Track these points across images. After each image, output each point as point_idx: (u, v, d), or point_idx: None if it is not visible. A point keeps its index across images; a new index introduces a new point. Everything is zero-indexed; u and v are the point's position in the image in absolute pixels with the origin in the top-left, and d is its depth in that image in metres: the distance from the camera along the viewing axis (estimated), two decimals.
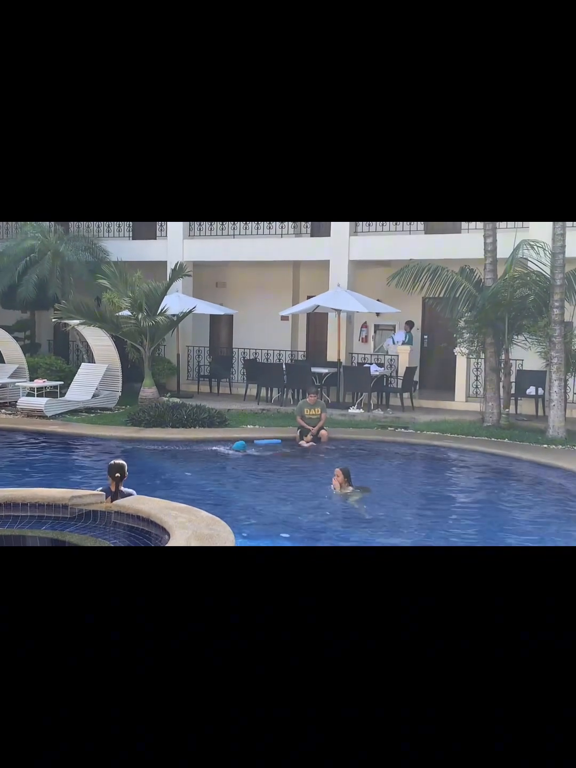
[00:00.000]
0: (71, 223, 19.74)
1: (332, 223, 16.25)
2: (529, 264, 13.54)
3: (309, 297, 17.52)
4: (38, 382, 15.84)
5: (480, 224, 14.47)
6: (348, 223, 16.15)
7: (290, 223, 17.95)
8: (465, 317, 14.08)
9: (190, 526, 5.50)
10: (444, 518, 9.00)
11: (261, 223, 18.01)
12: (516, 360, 14.96)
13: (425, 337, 18.25)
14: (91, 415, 14.89)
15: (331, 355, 16.87)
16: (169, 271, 16.60)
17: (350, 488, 9.52)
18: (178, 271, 15.83)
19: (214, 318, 19.89)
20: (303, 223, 18.13)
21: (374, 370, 15.92)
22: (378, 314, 17.53)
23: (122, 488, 6.62)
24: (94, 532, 5.95)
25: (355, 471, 9.98)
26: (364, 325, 18.37)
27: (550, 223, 13.09)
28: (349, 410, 15.25)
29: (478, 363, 15.48)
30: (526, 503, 9.76)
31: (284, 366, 16.95)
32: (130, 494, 6.55)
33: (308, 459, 12.04)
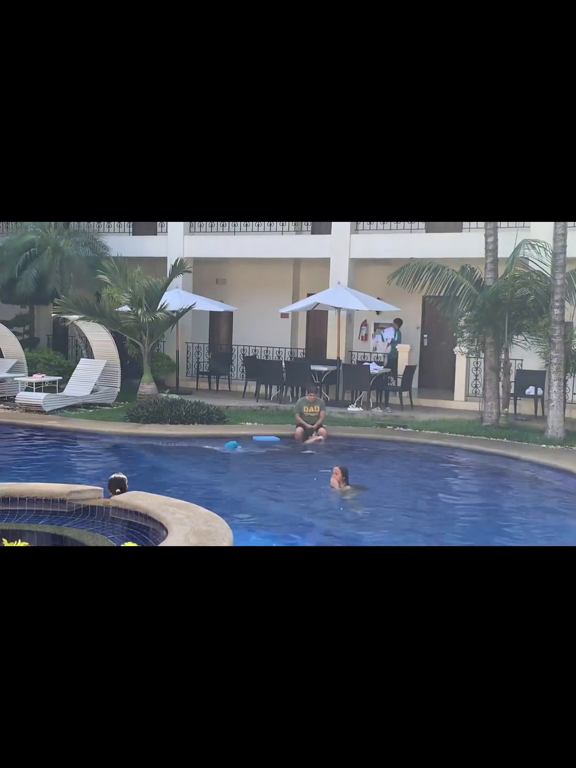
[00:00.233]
0: None
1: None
2: (530, 263, 13.53)
3: (309, 294, 17.51)
4: (37, 377, 15.82)
5: (481, 223, 14.45)
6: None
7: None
8: (465, 316, 14.07)
9: (188, 523, 5.49)
10: (441, 517, 9.00)
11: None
12: (515, 360, 14.96)
13: (425, 335, 18.25)
14: (90, 410, 14.88)
15: (331, 353, 16.87)
16: (169, 267, 16.58)
17: (348, 486, 9.54)
18: (178, 268, 15.81)
19: (213, 315, 19.87)
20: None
21: (374, 368, 15.92)
22: (378, 312, 17.53)
23: None
24: (92, 528, 5.94)
25: (354, 469, 9.98)
26: (364, 324, 18.37)
27: (551, 223, 13.09)
28: (348, 408, 15.24)
29: (477, 362, 15.47)
30: (524, 503, 9.75)
31: (284, 363, 16.94)
32: None
33: (306, 457, 12.03)
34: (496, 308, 13.39)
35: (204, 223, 18.67)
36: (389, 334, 17.31)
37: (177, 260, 16.02)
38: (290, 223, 18.27)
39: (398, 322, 17.37)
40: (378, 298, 16.60)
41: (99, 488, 6.49)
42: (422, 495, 10.12)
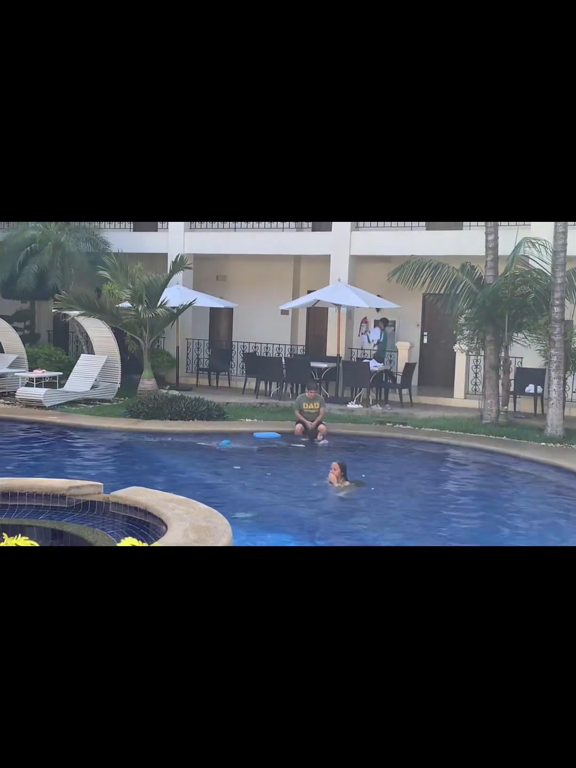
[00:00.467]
0: None
1: None
2: (530, 262, 13.54)
3: (309, 291, 17.53)
4: (37, 373, 15.84)
5: (481, 221, 14.46)
6: None
7: None
8: (465, 314, 14.07)
9: (187, 518, 5.50)
10: (439, 514, 9.02)
11: None
12: (515, 358, 14.98)
13: (425, 333, 18.26)
14: (90, 406, 14.89)
15: (331, 350, 16.88)
16: (169, 263, 16.58)
17: (346, 482, 9.57)
18: (179, 264, 15.81)
19: (214, 311, 19.88)
20: None
21: (374, 365, 15.93)
22: (378, 310, 17.53)
23: None
24: (92, 523, 5.96)
25: (353, 466, 10.00)
26: (364, 321, 18.36)
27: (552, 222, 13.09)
28: (348, 405, 15.26)
29: (477, 360, 15.49)
30: (522, 501, 9.77)
31: (284, 360, 16.95)
32: None
33: (305, 453, 12.05)
34: (496, 306, 13.41)
35: None
36: (375, 335, 17.26)
37: (177, 256, 16.03)
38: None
39: (384, 321, 17.32)
40: (378, 296, 16.61)
41: (99, 483, 6.51)
42: (420, 491, 10.14)
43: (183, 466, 11.08)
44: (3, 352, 17.06)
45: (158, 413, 13.48)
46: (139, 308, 14.72)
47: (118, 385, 15.88)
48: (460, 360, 15.74)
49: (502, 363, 14.02)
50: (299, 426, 12.68)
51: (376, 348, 17.19)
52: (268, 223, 18.13)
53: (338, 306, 16.09)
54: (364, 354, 17.45)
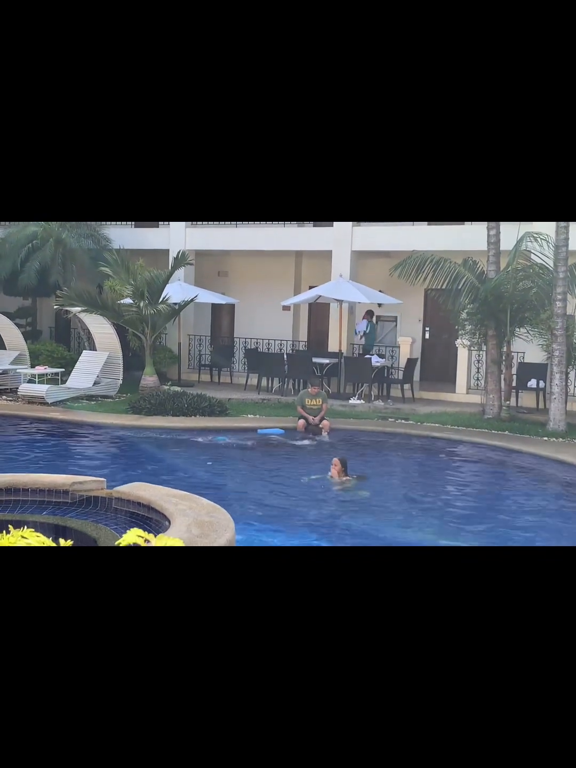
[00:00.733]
0: None
1: None
2: (532, 256, 13.53)
3: (311, 287, 17.51)
4: (39, 369, 15.85)
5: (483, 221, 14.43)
6: None
7: None
8: (467, 309, 14.07)
9: (190, 514, 5.51)
10: (441, 509, 9.02)
11: None
12: (517, 352, 14.97)
13: (427, 328, 18.25)
14: (92, 402, 14.91)
15: (333, 346, 16.87)
16: (171, 259, 16.58)
17: (347, 477, 9.58)
18: (181, 260, 15.81)
19: (215, 307, 19.89)
20: None
21: (375, 360, 15.93)
22: (380, 305, 17.52)
23: None
24: (94, 518, 5.97)
25: (355, 461, 10.01)
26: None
27: None
28: (350, 401, 15.26)
29: (479, 355, 15.48)
30: (525, 496, 9.77)
31: (285, 356, 16.96)
32: None
33: (307, 449, 12.05)
34: (498, 301, 13.39)
35: None
36: (361, 326, 17.15)
37: (179, 253, 16.03)
38: None
39: (370, 313, 17.21)
40: (380, 291, 16.60)
41: (102, 479, 6.51)
42: (422, 486, 10.15)
43: (185, 462, 11.09)
44: (5, 348, 17.07)
45: (160, 409, 13.49)
46: (141, 304, 14.72)
47: (120, 382, 15.90)
48: (462, 355, 15.74)
49: (504, 358, 14.01)
50: (302, 422, 12.68)
51: (362, 340, 17.12)
52: None
53: (340, 302, 16.09)
54: (359, 349, 17.45)
